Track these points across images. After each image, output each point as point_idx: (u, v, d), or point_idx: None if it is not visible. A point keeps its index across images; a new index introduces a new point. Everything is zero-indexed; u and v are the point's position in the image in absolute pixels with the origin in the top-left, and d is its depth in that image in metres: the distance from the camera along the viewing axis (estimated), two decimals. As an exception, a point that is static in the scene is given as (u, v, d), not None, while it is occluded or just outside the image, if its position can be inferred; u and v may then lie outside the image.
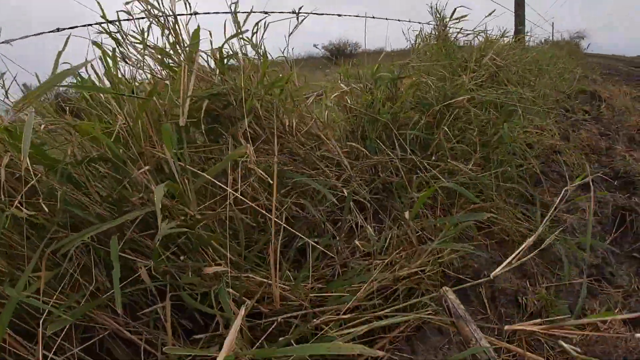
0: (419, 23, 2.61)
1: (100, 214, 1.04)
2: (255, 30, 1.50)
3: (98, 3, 1.29)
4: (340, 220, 1.39)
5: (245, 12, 1.55)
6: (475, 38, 2.71)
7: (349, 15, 2.04)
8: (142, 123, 1.10)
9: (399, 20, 2.49)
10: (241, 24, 1.48)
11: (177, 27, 1.40)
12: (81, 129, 1.09)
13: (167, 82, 1.33)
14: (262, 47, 1.49)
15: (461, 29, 2.71)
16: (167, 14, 1.38)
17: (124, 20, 1.36)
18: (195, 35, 1.34)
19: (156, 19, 1.37)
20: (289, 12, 1.60)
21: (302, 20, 1.48)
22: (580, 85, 6.38)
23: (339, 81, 1.85)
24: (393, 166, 1.59)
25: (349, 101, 1.71)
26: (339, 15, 2.02)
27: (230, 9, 1.51)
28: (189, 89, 1.13)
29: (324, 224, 1.34)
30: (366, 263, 1.26)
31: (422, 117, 1.77)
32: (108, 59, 1.25)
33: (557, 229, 1.59)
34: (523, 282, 1.56)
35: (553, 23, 15.80)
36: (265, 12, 1.61)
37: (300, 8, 1.53)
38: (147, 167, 1.00)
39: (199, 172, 1.03)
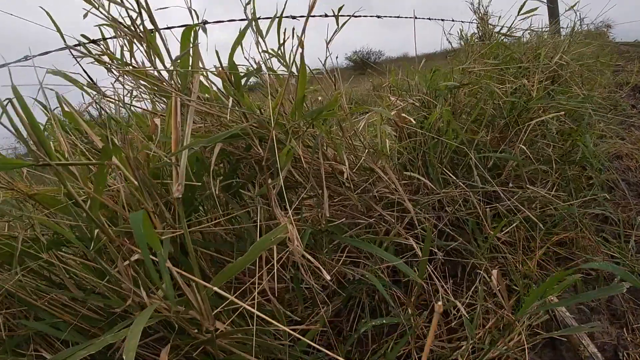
0: (462, 22, 2.31)
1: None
2: (285, 38, 1.17)
3: (51, 18, 0.93)
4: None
5: (267, 18, 1.27)
6: (521, 37, 2.43)
7: (391, 17, 1.76)
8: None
9: (442, 19, 2.20)
10: (263, 33, 1.17)
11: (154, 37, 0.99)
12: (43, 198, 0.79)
13: (157, 119, 0.92)
14: (294, 59, 1.05)
15: (503, 26, 2.42)
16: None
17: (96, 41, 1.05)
18: (186, 38, 0.94)
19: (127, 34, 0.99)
20: (322, 15, 1.32)
21: (343, 25, 1.15)
22: (620, 78, 6.05)
23: (390, 96, 1.52)
24: (460, 197, 1.30)
25: (411, 120, 1.35)
26: (379, 16, 1.74)
27: (246, 15, 1.22)
28: (185, 136, 0.77)
29: (387, 288, 1.05)
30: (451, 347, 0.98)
31: (488, 133, 1.48)
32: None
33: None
34: (620, 332, 1.30)
35: (580, 13, 15.30)
36: (293, 17, 1.33)
37: (340, 8, 1.24)
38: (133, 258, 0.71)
39: (206, 284, 0.71)
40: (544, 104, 1.58)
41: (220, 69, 0.97)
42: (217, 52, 1.03)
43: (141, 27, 0.94)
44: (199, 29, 0.97)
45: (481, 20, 2.50)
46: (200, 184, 0.90)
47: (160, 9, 1.12)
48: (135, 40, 0.96)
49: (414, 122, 1.27)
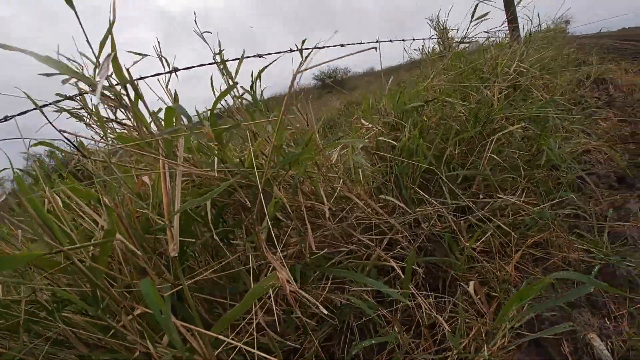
0: (423, 39, 2.41)
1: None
2: (255, 79, 1.22)
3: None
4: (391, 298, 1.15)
5: (235, 59, 1.31)
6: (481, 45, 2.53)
7: (354, 44, 1.82)
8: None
9: (403, 40, 2.29)
10: (233, 75, 1.22)
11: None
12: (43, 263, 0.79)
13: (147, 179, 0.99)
14: (260, 97, 1.13)
15: (462, 39, 2.52)
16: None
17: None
18: (170, 116, 0.97)
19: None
20: (287, 51, 1.37)
21: (307, 56, 1.21)
22: (581, 73, 6.22)
23: (362, 120, 1.59)
24: (435, 214, 1.36)
25: (380, 145, 1.43)
26: (342, 45, 1.80)
27: (215, 58, 1.27)
28: (176, 199, 0.82)
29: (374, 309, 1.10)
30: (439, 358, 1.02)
31: (456, 147, 1.54)
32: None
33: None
34: (602, 321, 1.35)
35: (538, 13, 15.75)
36: (260, 55, 1.38)
37: (303, 42, 1.29)
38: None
39: (208, 332, 0.76)
40: (506, 113, 1.66)
41: (203, 127, 1.01)
42: (197, 112, 1.10)
43: (126, 99, 0.99)
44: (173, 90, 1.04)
45: (441, 35, 2.60)
46: (193, 240, 0.95)
47: (136, 62, 1.18)
48: (121, 109, 1.02)
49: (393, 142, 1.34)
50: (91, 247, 0.77)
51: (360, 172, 1.33)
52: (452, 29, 2.59)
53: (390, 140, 1.47)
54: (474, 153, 1.58)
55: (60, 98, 1.09)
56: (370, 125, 1.52)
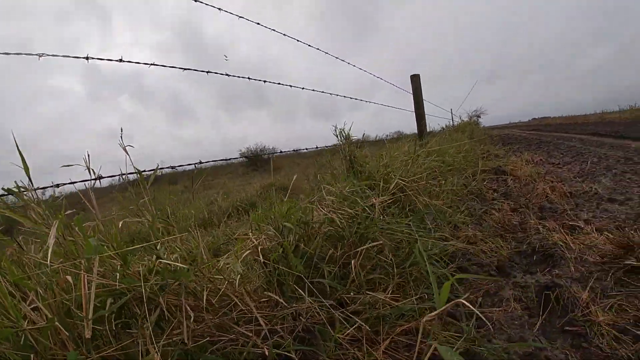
0: (331, 146, 2.73)
1: None
2: None
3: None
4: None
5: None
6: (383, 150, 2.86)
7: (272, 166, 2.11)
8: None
9: (316, 147, 2.61)
10: None
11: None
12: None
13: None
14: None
15: (363, 141, 2.86)
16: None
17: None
18: (89, 247, 1.28)
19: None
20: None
21: None
22: (485, 164, 6.86)
23: (250, 232, 1.88)
24: (312, 307, 1.61)
25: (260, 256, 1.73)
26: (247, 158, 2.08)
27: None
28: (91, 301, 1.11)
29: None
30: None
31: (337, 250, 1.82)
32: None
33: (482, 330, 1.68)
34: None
35: (452, 109, 17.23)
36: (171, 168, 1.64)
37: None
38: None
39: None
40: (380, 227, 1.96)
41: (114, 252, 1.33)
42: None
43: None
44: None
45: (345, 141, 2.94)
46: (102, 327, 1.19)
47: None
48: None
49: (260, 257, 1.62)
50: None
51: (244, 275, 1.60)
52: (354, 137, 2.93)
53: (270, 251, 1.76)
54: (356, 255, 1.85)
55: None
56: (254, 238, 1.81)
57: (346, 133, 2.94)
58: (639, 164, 6.01)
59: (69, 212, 1.46)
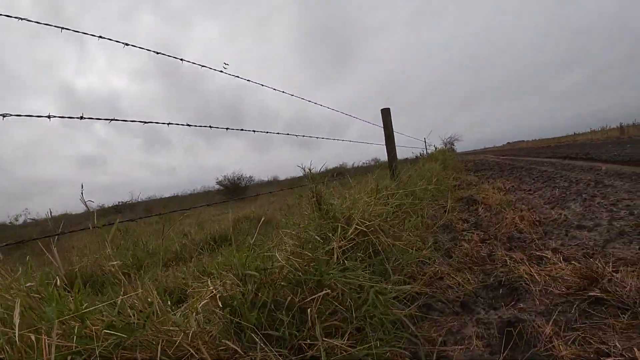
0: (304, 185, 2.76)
1: None
2: None
3: None
4: None
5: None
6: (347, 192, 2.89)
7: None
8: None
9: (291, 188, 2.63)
10: None
11: None
12: None
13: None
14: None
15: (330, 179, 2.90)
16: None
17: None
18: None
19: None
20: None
21: None
22: (457, 193, 6.95)
23: (209, 280, 1.90)
24: (271, 356, 1.62)
25: (220, 304, 1.75)
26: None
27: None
28: None
29: None
30: None
31: (297, 296, 1.84)
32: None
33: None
34: None
35: (425, 138, 17.56)
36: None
37: None
38: None
39: None
40: (338, 272, 1.99)
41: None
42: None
43: None
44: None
45: (311, 181, 2.98)
46: None
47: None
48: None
49: (218, 308, 1.64)
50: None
51: (202, 325, 1.63)
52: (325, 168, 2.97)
53: (230, 298, 1.78)
54: (314, 300, 1.87)
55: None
56: (212, 289, 1.83)
57: (311, 174, 2.97)
58: (609, 187, 6.14)
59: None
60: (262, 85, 3.54)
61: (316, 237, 2.21)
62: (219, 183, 31.73)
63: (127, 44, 2.41)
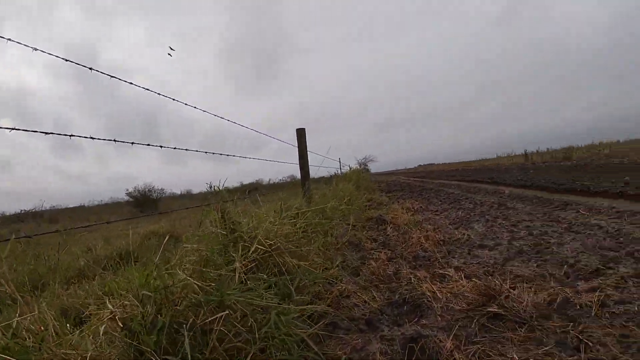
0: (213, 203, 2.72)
1: None
2: None
3: None
4: None
5: None
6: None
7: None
8: None
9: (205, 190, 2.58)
10: None
11: None
12: None
13: None
14: None
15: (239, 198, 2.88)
16: None
17: None
18: None
19: None
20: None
21: None
22: (368, 213, 7.12)
23: (108, 301, 1.81)
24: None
25: (120, 325, 1.68)
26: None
27: None
28: None
29: None
30: None
31: (198, 317, 1.80)
32: None
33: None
34: None
35: (339, 158, 17.91)
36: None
37: None
38: None
39: None
40: (240, 292, 1.97)
41: None
42: None
43: None
44: None
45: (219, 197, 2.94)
46: None
47: None
48: None
49: (118, 330, 1.58)
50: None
51: (101, 348, 1.55)
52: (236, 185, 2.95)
53: (130, 319, 1.72)
54: (216, 321, 1.84)
55: None
56: (112, 310, 1.76)
57: (220, 190, 2.94)
58: (511, 209, 6.54)
59: None
60: (174, 99, 3.47)
61: (217, 256, 2.18)
62: (128, 194, 30.44)
63: (35, 49, 2.30)
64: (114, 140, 2.57)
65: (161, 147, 3.08)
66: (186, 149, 3.55)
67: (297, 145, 6.44)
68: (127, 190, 30.61)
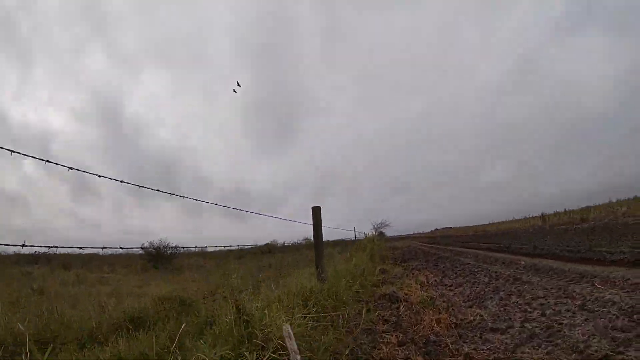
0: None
1: None
2: None
3: None
4: None
5: None
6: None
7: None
8: None
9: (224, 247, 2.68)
10: None
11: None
12: None
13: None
14: None
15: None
16: None
17: None
18: None
19: None
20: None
21: None
22: (381, 289, 7.10)
23: None
24: None
25: None
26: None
27: None
28: None
29: None
30: None
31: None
32: None
33: None
34: None
35: (355, 227, 18.07)
36: None
37: None
38: None
39: None
40: None
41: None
42: None
43: None
44: None
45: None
46: None
47: None
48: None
49: None
50: None
51: None
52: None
53: None
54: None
55: None
56: None
57: (233, 279, 3.04)
58: (526, 284, 6.48)
59: None
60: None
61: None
62: (143, 249, 30.30)
63: (48, 161, 2.43)
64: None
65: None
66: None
67: (312, 223, 6.53)
68: (143, 244, 30.53)
